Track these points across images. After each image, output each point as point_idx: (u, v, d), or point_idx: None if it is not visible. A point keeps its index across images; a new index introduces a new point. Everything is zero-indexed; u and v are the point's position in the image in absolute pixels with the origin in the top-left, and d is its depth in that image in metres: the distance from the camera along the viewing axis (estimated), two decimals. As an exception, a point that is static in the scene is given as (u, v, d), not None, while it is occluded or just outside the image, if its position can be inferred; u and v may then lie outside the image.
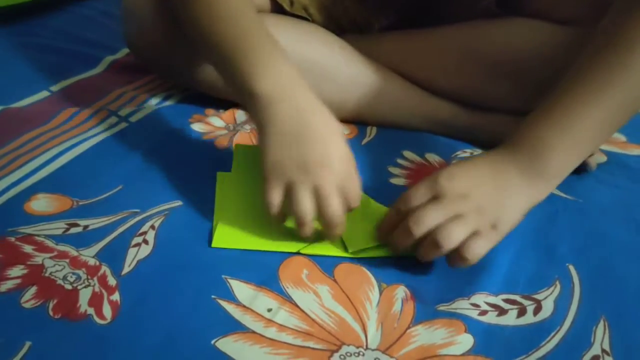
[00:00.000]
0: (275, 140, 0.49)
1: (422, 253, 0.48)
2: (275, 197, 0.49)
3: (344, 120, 0.73)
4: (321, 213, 0.49)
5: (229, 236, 0.52)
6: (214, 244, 0.51)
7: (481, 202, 0.48)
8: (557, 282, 0.51)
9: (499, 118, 0.70)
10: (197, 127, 0.70)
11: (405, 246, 0.49)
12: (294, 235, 0.51)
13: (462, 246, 0.46)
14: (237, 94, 0.53)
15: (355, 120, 0.74)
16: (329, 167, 0.48)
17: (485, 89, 0.69)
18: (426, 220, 0.47)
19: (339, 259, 0.51)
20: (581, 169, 0.66)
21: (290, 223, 0.51)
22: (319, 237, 0.51)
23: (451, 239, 0.46)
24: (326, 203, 0.48)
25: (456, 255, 0.47)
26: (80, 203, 0.55)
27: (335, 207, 0.48)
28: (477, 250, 0.47)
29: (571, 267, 0.52)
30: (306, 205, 0.48)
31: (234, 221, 0.54)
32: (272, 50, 0.52)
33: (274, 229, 0.53)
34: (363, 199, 0.54)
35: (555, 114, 0.50)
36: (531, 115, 0.52)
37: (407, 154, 0.69)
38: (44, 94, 0.75)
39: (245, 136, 0.69)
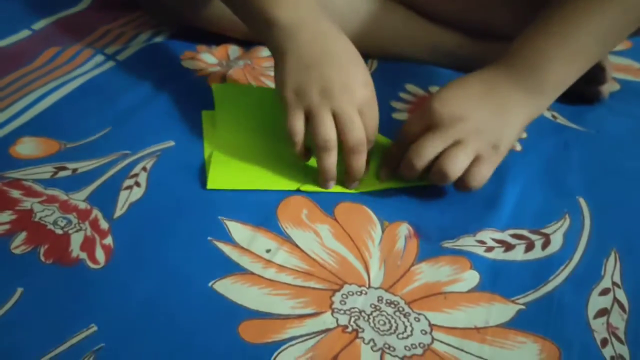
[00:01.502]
0: (296, 66, 0.47)
1: (432, 182, 0.47)
2: (298, 125, 0.47)
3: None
4: (343, 138, 0.47)
5: (224, 176, 0.50)
6: (209, 186, 0.49)
7: (478, 123, 0.47)
8: (567, 216, 0.49)
9: (504, 47, 0.66)
10: (188, 64, 0.67)
11: (413, 178, 0.48)
12: (293, 172, 0.49)
13: (466, 174, 0.46)
14: (252, 23, 0.52)
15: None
16: (350, 92, 0.47)
17: (489, 14, 0.65)
18: (426, 152, 0.46)
19: (339, 198, 0.49)
20: (593, 98, 0.63)
21: (297, 158, 0.50)
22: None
23: (455, 167, 0.45)
24: (349, 128, 0.46)
25: (461, 183, 0.47)
26: (68, 146, 0.53)
27: (359, 132, 0.47)
28: (481, 176, 0.46)
29: (581, 200, 0.50)
30: (330, 129, 0.46)
31: (228, 161, 0.52)
32: None
33: (271, 167, 0.51)
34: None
35: (553, 26, 0.48)
36: (526, 30, 0.50)
37: (410, 87, 0.66)
38: (25, 32, 0.72)
39: (239, 72, 0.66)
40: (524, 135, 0.59)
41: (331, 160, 0.47)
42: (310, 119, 0.47)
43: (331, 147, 0.47)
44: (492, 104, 0.48)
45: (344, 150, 0.48)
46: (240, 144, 0.54)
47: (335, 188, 0.50)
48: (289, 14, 0.48)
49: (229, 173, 0.51)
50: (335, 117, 0.47)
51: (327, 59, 0.48)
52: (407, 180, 0.50)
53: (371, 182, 0.51)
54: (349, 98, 0.47)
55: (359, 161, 0.48)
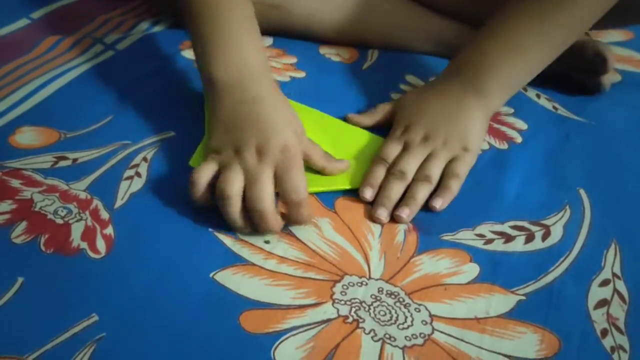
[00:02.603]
0: (221, 127, 0.47)
1: (414, 193, 0.48)
2: (203, 176, 0.44)
3: (344, 42, 0.69)
4: (247, 197, 0.44)
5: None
6: (191, 163, 0.49)
7: (444, 136, 0.51)
8: (567, 207, 0.49)
9: None
10: (188, 54, 0.67)
11: (398, 194, 0.48)
12: None
13: (446, 169, 0.50)
14: (199, 72, 0.52)
15: (355, 42, 0.70)
16: (264, 154, 0.44)
17: (490, 5, 0.65)
18: (408, 166, 0.49)
19: (339, 192, 0.49)
20: (594, 89, 0.63)
21: None
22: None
23: (434, 172, 0.49)
24: (252, 189, 0.43)
25: (445, 177, 0.49)
26: (68, 135, 0.53)
27: (263, 195, 0.43)
28: (459, 170, 0.49)
29: (582, 191, 0.50)
30: (229, 183, 0.43)
31: None
32: (239, 34, 0.50)
33: None
34: (363, 134, 0.54)
35: (495, 28, 0.52)
36: (474, 35, 0.54)
37: (411, 78, 0.66)
38: (23, 21, 0.71)
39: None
40: (525, 127, 0.59)
41: (231, 209, 0.43)
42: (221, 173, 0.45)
43: (225, 198, 0.43)
44: (450, 114, 0.52)
45: (248, 205, 0.44)
46: None
47: (333, 185, 0.49)
48: (224, 76, 0.49)
49: None
50: (245, 176, 0.44)
51: (247, 123, 0.46)
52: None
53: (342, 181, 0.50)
54: (260, 159, 0.44)
55: (301, 215, 0.44)
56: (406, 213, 0.46)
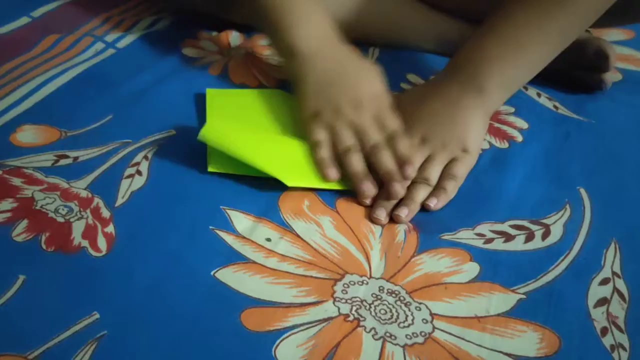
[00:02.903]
0: (313, 90, 0.52)
1: (413, 195, 0.48)
2: (322, 134, 0.50)
3: (346, 40, 0.69)
4: (362, 146, 0.49)
5: (223, 160, 0.49)
6: (210, 168, 0.49)
7: (443, 138, 0.50)
8: (567, 206, 0.49)
9: None
10: (189, 52, 0.67)
11: (400, 194, 0.48)
12: (286, 165, 0.49)
13: (444, 170, 0.49)
14: (277, 49, 0.57)
15: (357, 39, 0.69)
16: (361, 106, 0.51)
17: (493, 3, 0.65)
18: (407, 178, 0.49)
19: (340, 192, 0.49)
20: (596, 87, 0.63)
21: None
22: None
23: (433, 173, 0.49)
24: (365, 137, 0.49)
25: (442, 178, 0.49)
26: (69, 134, 0.53)
27: (375, 137, 0.49)
28: (458, 171, 0.49)
29: (582, 190, 0.51)
30: (347, 137, 0.50)
31: (224, 141, 0.50)
32: (310, 8, 0.55)
33: (265, 154, 0.50)
34: None
35: (494, 27, 0.52)
36: (472, 34, 0.54)
37: (412, 77, 0.66)
38: (24, 20, 0.71)
39: (241, 62, 0.65)
40: (526, 126, 0.59)
41: (355, 160, 0.49)
42: (331, 136, 0.50)
43: (352, 150, 0.49)
44: (449, 115, 0.51)
45: (367, 154, 0.49)
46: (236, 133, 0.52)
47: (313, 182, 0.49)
48: (308, 44, 0.53)
49: (226, 156, 0.49)
50: (353, 130, 0.50)
51: (339, 81, 0.52)
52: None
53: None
54: (361, 111, 0.51)
55: (383, 157, 0.49)
56: (405, 213, 0.47)
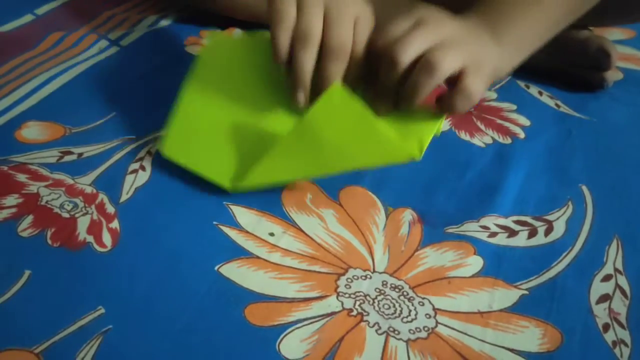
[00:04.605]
0: None
1: (413, 85, 0.41)
2: (290, 6, 0.42)
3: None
4: (325, 36, 0.42)
5: (177, 148, 0.48)
6: (165, 152, 0.48)
7: (462, 37, 0.43)
8: (570, 203, 0.49)
9: None
10: (192, 49, 0.67)
11: (390, 83, 0.43)
12: (242, 162, 0.47)
13: (459, 79, 0.42)
14: None
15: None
16: None
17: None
18: (413, 44, 0.41)
19: (342, 183, 0.49)
20: (597, 85, 0.63)
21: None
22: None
23: (444, 61, 0.40)
24: (335, 24, 0.42)
25: (455, 89, 0.42)
26: (74, 130, 0.53)
27: (345, 32, 0.42)
28: (476, 84, 0.42)
29: (584, 188, 0.51)
30: (314, 20, 0.41)
31: (187, 132, 0.49)
32: None
33: (222, 152, 0.48)
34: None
35: None
36: None
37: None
38: (28, 17, 0.71)
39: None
40: (528, 124, 0.59)
41: (306, 57, 0.42)
42: (297, 11, 0.42)
43: (309, 40, 0.41)
44: (470, 35, 0.44)
45: (323, 52, 0.42)
46: (207, 116, 0.50)
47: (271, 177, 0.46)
48: None
49: (183, 145, 0.48)
50: (325, 13, 0.42)
51: None
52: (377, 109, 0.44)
53: (355, 160, 0.45)
54: (345, 2, 0.43)
55: (335, 68, 0.43)
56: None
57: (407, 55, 0.41)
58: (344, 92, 0.43)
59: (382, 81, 0.43)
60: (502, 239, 0.45)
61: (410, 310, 0.40)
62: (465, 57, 0.42)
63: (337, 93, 0.43)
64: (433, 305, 0.40)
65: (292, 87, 0.44)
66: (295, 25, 0.42)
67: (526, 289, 0.42)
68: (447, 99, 0.43)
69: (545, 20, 0.48)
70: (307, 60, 0.42)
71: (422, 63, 0.41)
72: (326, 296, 0.40)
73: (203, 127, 0.50)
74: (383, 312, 0.39)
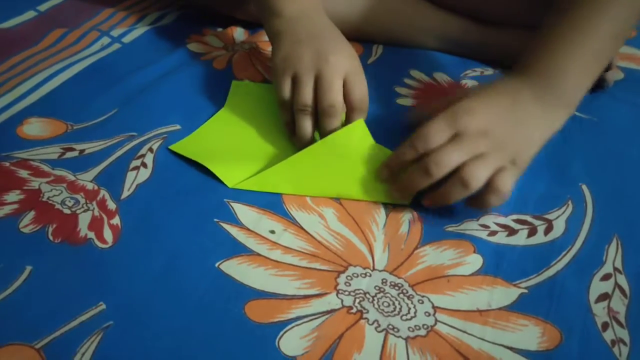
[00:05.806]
0: (289, 41, 0.52)
1: (445, 195, 0.45)
2: (286, 87, 0.51)
3: (349, 36, 0.69)
4: (318, 100, 0.49)
5: (188, 147, 0.51)
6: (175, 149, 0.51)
7: (502, 138, 0.45)
8: (570, 202, 0.49)
9: (511, 32, 0.66)
10: (194, 47, 0.67)
11: (420, 188, 0.45)
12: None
13: (492, 181, 0.44)
14: (260, 11, 0.57)
15: (360, 37, 0.70)
16: (335, 61, 0.50)
17: (496, 1, 0.65)
18: (448, 161, 0.44)
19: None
20: (597, 86, 0.63)
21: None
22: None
23: (478, 177, 0.43)
24: (325, 90, 0.49)
25: (487, 190, 0.44)
26: (75, 127, 0.53)
27: (334, 95, 0.49)
28: (506, 185, 0.44)
29: (584, 187, 0.51)
30: (308, 93, 0.49)
31: (202, 140, 0.53)
32: None
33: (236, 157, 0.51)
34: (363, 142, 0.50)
35: (565, 36, 0.47)
36: (538, 38, 0.49)
37: (415, 73, 0.66)
38: (30, 14, 0.72)
39: (244, 56, 0.66)
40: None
41: (305, 123, 0.50)
42: (295, 85, 0.50)
43: (305, 110, 0.50)
44: (515, 119, 0.46)
45: (319, 112, 0.49)
46: (230, 139, 0.54)
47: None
48: (292, 8, 0.54)
49: (195, 144, 0.52)
50: (317, 82, 0.49)
51: (317, 36, 0.52)
52: (395, 197, 0.47)
53: (354, 190, 0.48)
54: (334, 66, 0.50)
55: (329, 123, 0.49)
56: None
57: (441, 171, 0.44)
58: (365, 129, 0.50)
59: (410, 182, 0.46)
60: (501, 238, 0.45)
61: (409, 308, 0.40)
62: (500, 162, 0.44)
63: (359, 128, 0.50)
64: (432, 303, 0.40)
65: (297, 146, 0.51)
66: (294, 100, 0.50)
67: (525, 288, 0.42)
68: (480, 198, 0.45)
69: (595, 67, 0.48)
70: (307, 126, 0.50)
71: (456, 178, 0.44)
72: (326, 293, 0.40)
73: (218, 139, 0.53)
74: (382, 309, 0.40)
